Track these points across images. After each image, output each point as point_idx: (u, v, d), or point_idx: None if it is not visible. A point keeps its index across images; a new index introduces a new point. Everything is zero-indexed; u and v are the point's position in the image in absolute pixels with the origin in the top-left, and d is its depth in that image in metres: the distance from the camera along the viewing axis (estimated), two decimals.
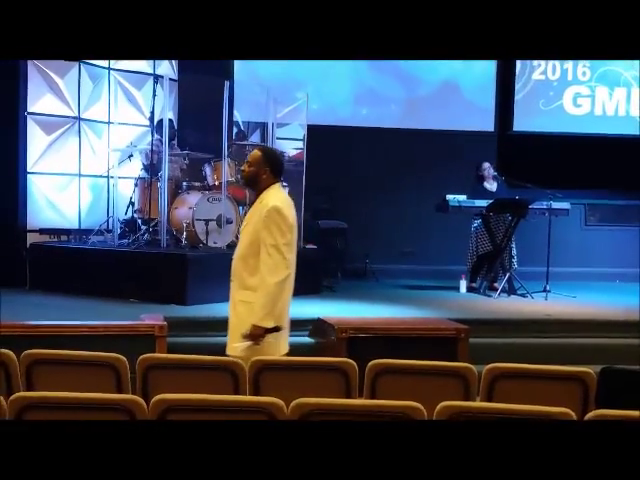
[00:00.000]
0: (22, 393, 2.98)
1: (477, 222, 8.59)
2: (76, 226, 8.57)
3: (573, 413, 2.80)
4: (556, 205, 8.46)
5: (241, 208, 8.12)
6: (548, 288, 8.09)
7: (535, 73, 10.51)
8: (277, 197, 4.09)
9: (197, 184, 8.14)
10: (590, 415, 2.79)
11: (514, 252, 8.58)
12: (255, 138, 9.45)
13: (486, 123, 10.32)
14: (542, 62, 10.48)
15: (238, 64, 9.68)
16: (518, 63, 10.43)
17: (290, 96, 9.14)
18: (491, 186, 8.72)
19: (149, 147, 8.15)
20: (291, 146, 9.38)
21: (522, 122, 10.50)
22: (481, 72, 10.30)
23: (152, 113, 8.35)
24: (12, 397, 2.79)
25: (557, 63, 10.50)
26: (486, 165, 8.74)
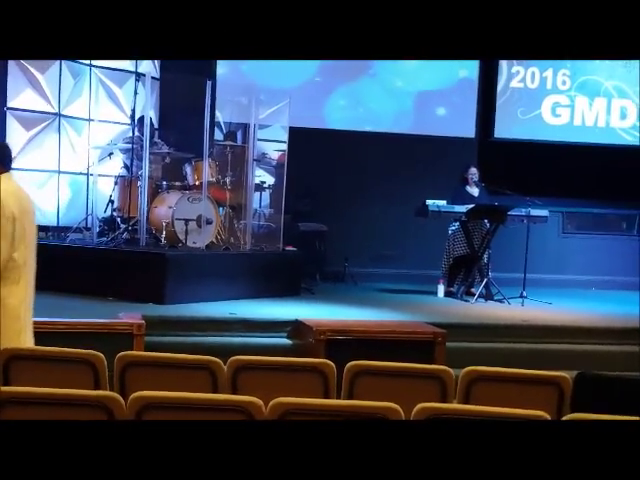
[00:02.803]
0: None
1: (455, 226, 8.63)
2: (54, 223, 8.49)
3: (548, 416, 2.83)
4: (535, 212, 8.52)
5: (221, 209, 8.11)
6: (525, 294, 8.14)
7: (514, 81, 10.44)
8: (1, 187, 3.96)
9: (177, 183, 8.12)
10: (565, 419, 2.82)
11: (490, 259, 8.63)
12: (237, 139, 9.42)
13: (467, 129, 10.36)
14: (521, 70, 10.44)
15: (221, 64, 9.65)
16: (500, 69, 10.41)
17: (273, 97, 9.13)
18: (472, 190, 8.77)
19: (130, 145, 8.11)
20: (272, 148, 9.38)
21: (501, 129, 10.51)
22: (463, 78, 10.34)
23: (133, 111, 8.31)
24: None
25: (536, 71, 10.45)
26: (473, 170, 8.79)
